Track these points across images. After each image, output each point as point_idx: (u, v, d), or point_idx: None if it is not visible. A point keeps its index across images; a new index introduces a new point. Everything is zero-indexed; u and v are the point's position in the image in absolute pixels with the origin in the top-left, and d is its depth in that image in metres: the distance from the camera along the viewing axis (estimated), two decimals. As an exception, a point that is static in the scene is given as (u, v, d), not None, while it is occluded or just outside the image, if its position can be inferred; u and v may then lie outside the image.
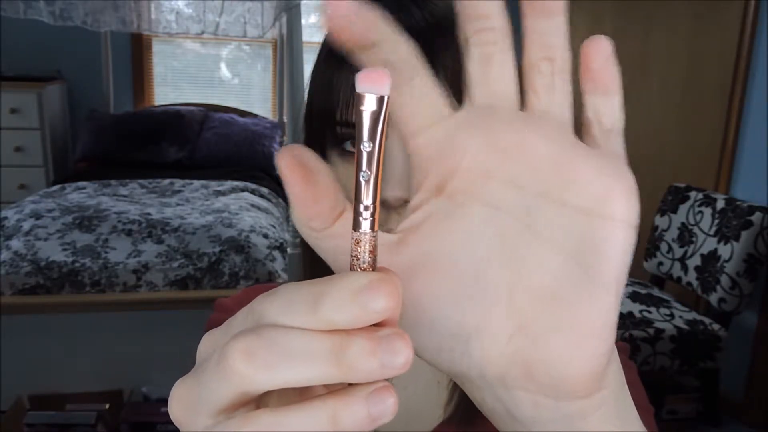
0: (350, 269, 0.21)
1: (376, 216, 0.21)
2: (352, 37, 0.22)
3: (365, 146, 0.20)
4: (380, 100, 0.20)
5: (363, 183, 0.20)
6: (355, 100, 0.20)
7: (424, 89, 0.23)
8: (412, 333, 0.24)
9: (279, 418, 0.19)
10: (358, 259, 0.21)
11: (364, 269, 0.20)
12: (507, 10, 0.23)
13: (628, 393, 0.26)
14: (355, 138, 0.20)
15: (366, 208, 0.20)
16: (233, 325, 0.21)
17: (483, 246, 0.23)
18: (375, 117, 0.20)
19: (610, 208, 0.22)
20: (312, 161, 0.22)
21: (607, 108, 0.24)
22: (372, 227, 0.21)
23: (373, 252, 0.21)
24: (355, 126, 0.20)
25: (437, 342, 0.24)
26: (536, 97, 0.23)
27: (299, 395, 0.21)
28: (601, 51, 0.23)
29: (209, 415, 0.20)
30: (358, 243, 0.21)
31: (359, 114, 0.20)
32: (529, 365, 0.23)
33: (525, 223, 0.23)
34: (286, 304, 0.19)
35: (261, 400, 0.21)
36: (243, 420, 0.19)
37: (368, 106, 0.20)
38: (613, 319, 0.23)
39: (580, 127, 0.24)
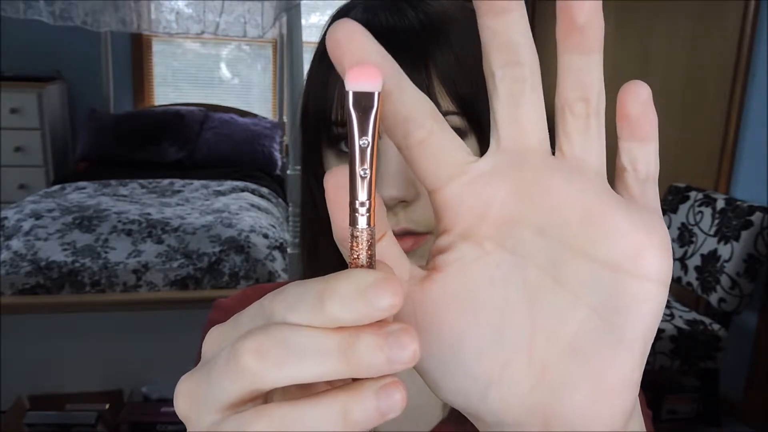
0: (349, 266, 0.21)
1: (372, 212, 0.21)
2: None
3: (362, 143, 0.20)
4: (373, 96, 0.20)
5: (359, 179, 0.20)
6: (346, 97, 0.20)
7: (440, 141, 0.23)
8: (433, 372, 0.24)
9: (291, 413, 0.19)
10: (356, 255, 0.21)
11: (363, 265, 0.21)
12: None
13: None
14: (348, 135, 0.20)
15: (362, 204, 0.20)
16: (242, 321, 0.21)
17: (508, 293, 0.23)
18: (369, 113, 0.20)
19: (641, 266, 0.22)
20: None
21: (643, 155, 0.23)
22: (369, 223, 0.21)
23: (371, 248, 0.21)
24: (346, 117, 0.20)
25: (456, 383, 0.24)
26: (568, 142, 0.23)
27: (302, 390, 0.21)
28: (639, 96, 0.22)
29: (217, 410, 0.20)
30: (356, 239, 0.21)
31: (351, 111, 0.20)
32: (547, 417, 0.23)
33: (551, 274, 0.23)
34: (294, 303, 0.20)
35: (267, 396, 0.21)
36: (255, 414, 0.20)
37: (362, 103, 0.20)
38: (635, 378, 0.22)
39: (611, 171, 0.23)
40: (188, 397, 0.21)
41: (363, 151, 0.20)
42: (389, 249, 0.24)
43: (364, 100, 0.20)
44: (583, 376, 0.22)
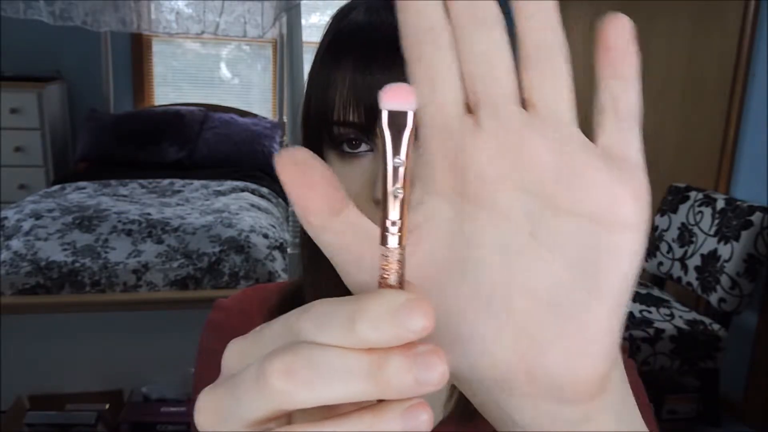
0: (378, 285, 0.21)
1: (404, 232, 0.20)
2: None
3: (396, 162, 0.20)
4: (407, 115, 0.20)
5: (392, 198, 0.20)
6: (380, 115, 0.20)
7: (447, 65, 0.22)
8: None
9: None
10: (386, 274, 0.20)
11: (393, 286, 0.20)
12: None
13: (632, 396, 0.26)
14: (381, 153, 0.20)
15: (393, 223, 0.20)
16: (265, 337, 0.21)
17: (485, 251, 0.23)
18: (402, 132, 0.20)
19: (617, 214, 0.22)
20: (306, 159, 0.21)
21: (625, 94, 0.22)
22: (400, 243, 0.20)
23: (402, 268, 0.20)
24: (379, 136, 0.20)
25: (436, 344, 0.24)
26: (537, 95, 0.22)
27: (325, 410, 0.21)
28: (621, 31, 0.22)
29: (241, 427, 0.20)
30: (385, 258, 0.20)
31: (385, 130, 0.20)
32: (530, 370, 0.23)
33: (528, 230, 0.23)
34: (323, 322, 0.19)
35: (291, 414, 0.21)
36: None
37: (396, 121, 0.20)
38: (616, 326, 0.23)
39: (587, 122, 0.23)
40: (210, 412, 0.21)
41: (396, 170, 0.20)
42: (357, 219, 0.23)
43: (398, 119, 0.20)
44: (563, 327, 0.22)
